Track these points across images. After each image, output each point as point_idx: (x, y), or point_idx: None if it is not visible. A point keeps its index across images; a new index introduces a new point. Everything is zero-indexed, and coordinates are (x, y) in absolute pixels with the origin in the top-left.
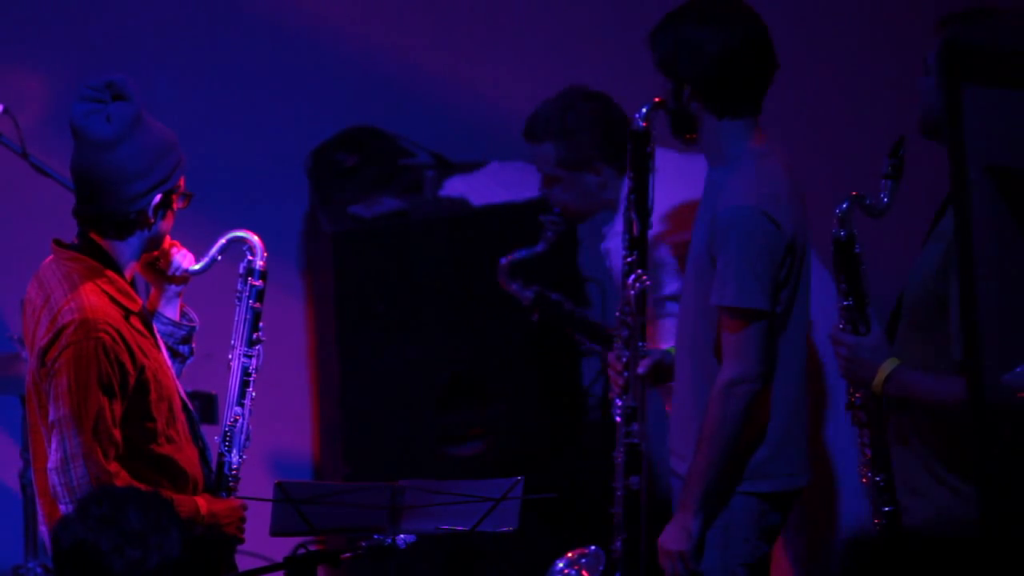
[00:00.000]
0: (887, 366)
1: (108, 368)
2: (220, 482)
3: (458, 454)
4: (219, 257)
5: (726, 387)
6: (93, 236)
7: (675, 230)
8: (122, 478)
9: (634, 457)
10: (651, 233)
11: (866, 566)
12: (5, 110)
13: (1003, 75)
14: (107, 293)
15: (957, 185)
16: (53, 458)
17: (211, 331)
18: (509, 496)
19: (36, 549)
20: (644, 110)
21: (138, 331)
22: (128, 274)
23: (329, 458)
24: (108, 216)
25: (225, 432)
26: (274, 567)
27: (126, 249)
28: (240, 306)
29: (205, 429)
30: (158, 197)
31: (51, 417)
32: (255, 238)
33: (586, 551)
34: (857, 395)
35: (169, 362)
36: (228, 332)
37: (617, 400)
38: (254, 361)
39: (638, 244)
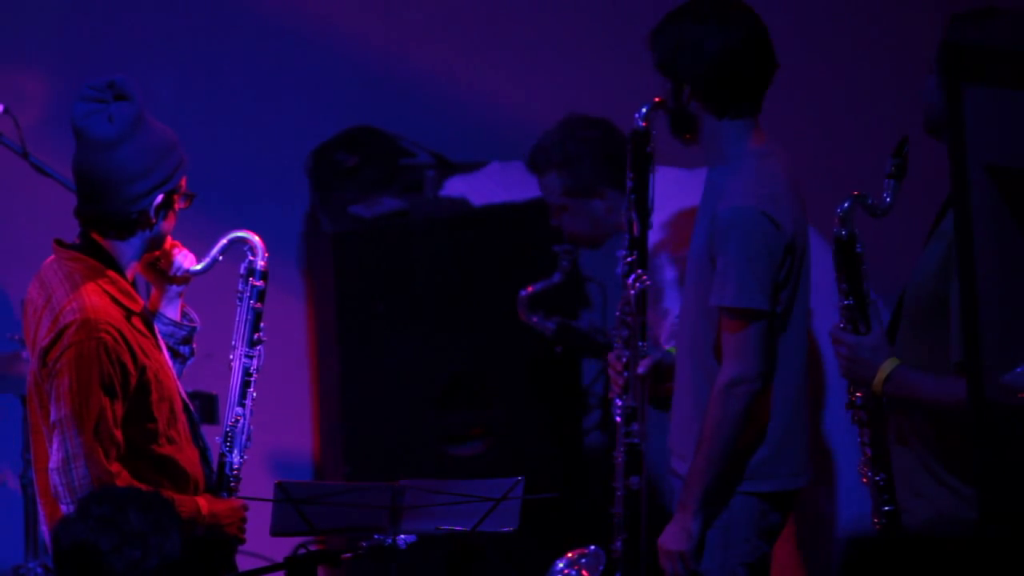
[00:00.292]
0: (887, 366)
1: (109, 368)
2: (221, 482)
3: (458, 454)
4: (220, 257)
5: (726, 387)
6: (94, 236)
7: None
8: (123, 478)
9: (634, 457)
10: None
11: (866, 566)
12: (5, 110)
13: (1004, 75)
14: (108, 293)
15: (957, 185)
16: (54, 458)
17: (212, 331)
18: (509, 496)
19: (37, 549)
20: (644, 110)
21: (139, 331)
22: (129, 274)
23: (329, 458)
24: (110, 216)
25: (226, 432)
26: (274, 567)
27: (127, 249)
28: (241, 306)
29: (205, 429)
30: (160, 197)
31: (52, 417)
32: (256, 238)
33: (586, 551)
34: (858, 394)
35: (170, 362)
36: (229, 332)
37: (617, 400)
38: (255, 361)
39: (638, 244)
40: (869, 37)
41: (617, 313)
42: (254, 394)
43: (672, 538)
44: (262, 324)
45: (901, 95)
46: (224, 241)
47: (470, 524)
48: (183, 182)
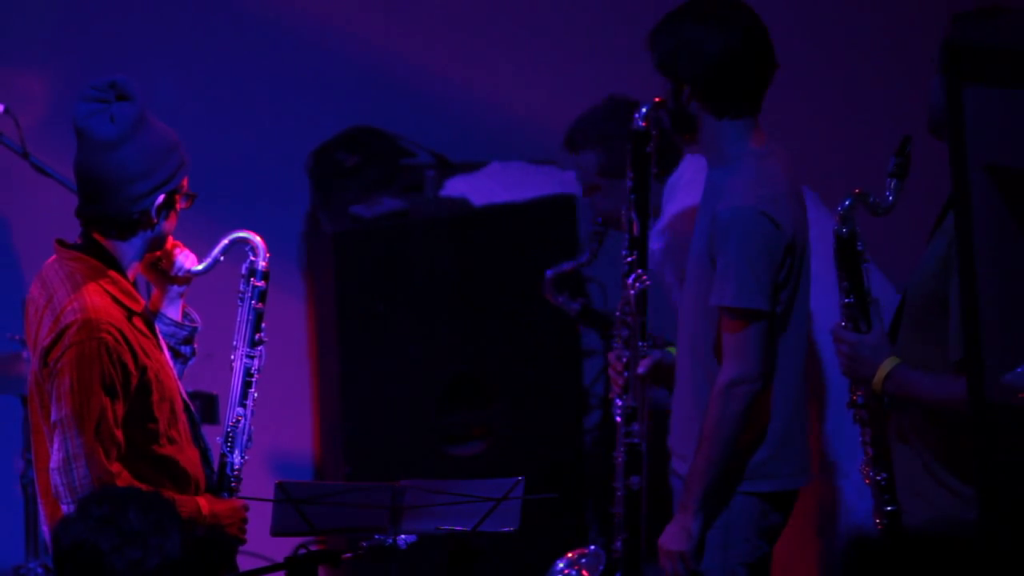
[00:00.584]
0: (887, 364)
1: (110, 368)
2: (222, 483)
3: (459, 454)
4: (222, 258)
5: (726, 387)
6: (96, 236)
7: None
8: (124, 478)
9: (634, 457)
10: None
11: (867, 566)
12: (6, 110)
13: (1004, 75)
14: (110, 293)
15: (957, 184)
16: (55, 458)
17: (213, 331)
18: (510, 496)
19: (37, 549)
20: (644, 110)
21: (140, 332)
22: (131, 274)
23: (330, 458)
24: (111, 216)
25: (227, 433)
26: (275, 567)
27: (129, 249)
28: (242, 307)
29: (206, 429)
30: (161, 197)
31: (53, 417)
32: (257, 239)
33: (586, 551)
34: (859, 393)
35: (171, 363)
36: (230, 333)
37: (617, 400)
38: (256, 362)
39: (638, 244)
40: (870, 36)
41: (617, 313)
42: (255, 394)
43: (672, 538)
44: (263, 324)
45: (902, 94)
46: (225, 241)
47: (470, 524)
48: (184, 182)
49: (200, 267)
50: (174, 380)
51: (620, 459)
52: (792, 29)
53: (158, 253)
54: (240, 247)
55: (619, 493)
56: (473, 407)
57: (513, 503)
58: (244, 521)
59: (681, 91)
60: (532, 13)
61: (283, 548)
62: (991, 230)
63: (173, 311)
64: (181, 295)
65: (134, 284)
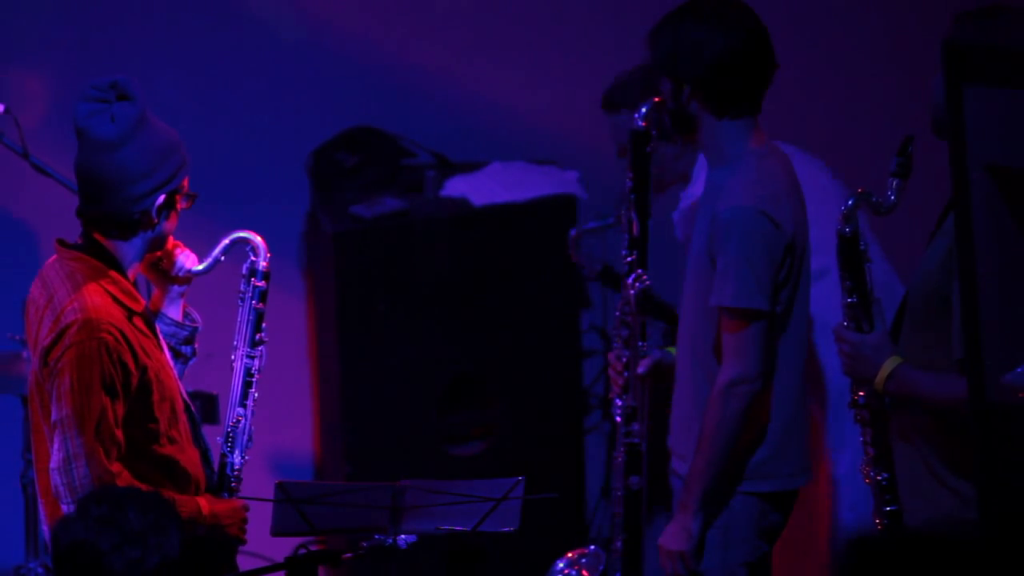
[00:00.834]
0: (889, 364)
1: (111, 368)
2: (222, 483)
3: (459, 454)
4: (222, 258)
5: (726, 387)
6: (97, 236)
7: None
8: (124, 478)
9: (634, 457)
10: None
11: (867, 566)
12: (6, 110)
13: (1004, 74)
14: (110, 293)
15: (957, 185)
16: (55, 458)
17: (213, 331)
18: (510, 496)
19: (37, 549)
20: (644, 110)
21: (141, 331)
22: (131, 274)
23: (330, 458)
24: (112, 216)
25: (227, 433)
26: (275, 567)
27: (129, 249)
28: (243, 307)
29: (206, 429)
30: (162, 198)
31: (54, 417)
32: (258, 239)
33: (586, 551)
34: (860, 393)
35: (171, 363)
36: (231, 333)
37: (617, 400)
38: (257, 362)
39: (638, 244)
40: (871, 35)
41: (617, 313)
42: (255, 394)
43: (672, 538)
44: (264, 324)
45: (903, 94)
46: (226, 241)
47: (471, 524)
48: (185, 182)
49: (201, 267)
50: (175, 380)
51: (620, 459)
52: (792, 29)
53: (159, 253)
54: (241, 247)
55: (619, 493)
56: (473, 407)
57: (513, 503)
58: (244, 521)
59: (681, 91)
60: (532, 13)
61: (283, 548)
62: (991, 230)
63: (174, 311)
64: (182, 295)
65: (135, 284)
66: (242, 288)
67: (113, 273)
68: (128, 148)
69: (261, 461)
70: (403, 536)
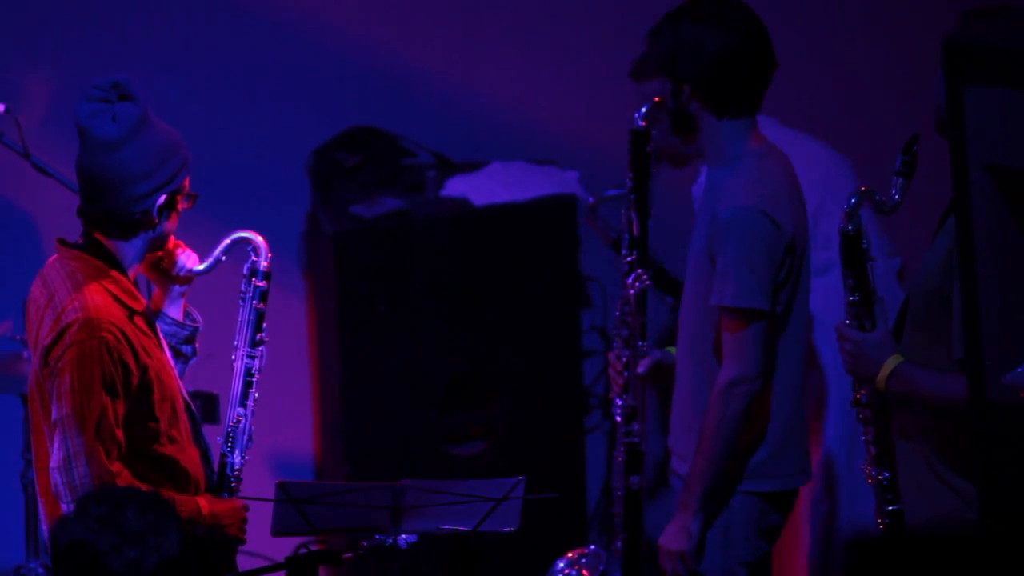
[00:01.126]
0: (891, 363)
1: (111, 368)
2: (222, 483)
3: (460, 454)
4: (223, 257)
5: (726, 387)
6: (97, 236)
7: None
8: (124, 478)
9: (634, 457)
10: None
11: (867, 566)
12: (7, 110)
13: (1004, 74)
14: (111, 293)
15: (958, 184)
16: (56, 457)
17: (214, 331)
18: (510, 496)
19: (37, 549)
20: (644, 110)
21: (142, 331)
22: (132, 274)
23: (330, 458)
24: (113, 216)
25: (227, 433)
26: (275, 567)
27: (130, 249)
28: (244, 307)
29: (207, 429)
30: (163, 198)
31: (54, 416)
32: (259, 239)
33: (586, 551)
34: (862, 392)
35: (172, 362)
36: (231, 332)
37: (617, 400)
38: (257, 362)
39: (638, 244)
40: (872, 34)
41: (617, 313)
42: (256, 394)
43: (672, 538)
44: (265, 324)
45: (903, 94)
46: (227, 241)
47: (471, 524)
48: (186, 182)
49: (202, 267)
50: (175, 380)
51: (620, 459)
52: (792, 29)
53: (160, 253)
54: (242, 247)
55: (619, 493)
56: (473, 407)
57: (513, 503)
58: (244, 521)
59: (681, 91)
60: (532, 13)
61: (283, 548)
62: (991, 230)
63: (175, 311)
64: (183, 295)
65: (135, 284)
66: (243, 288)
67: (114, 273)
68: (130, 148)
69: (261, 461)
70: (403, 536)
